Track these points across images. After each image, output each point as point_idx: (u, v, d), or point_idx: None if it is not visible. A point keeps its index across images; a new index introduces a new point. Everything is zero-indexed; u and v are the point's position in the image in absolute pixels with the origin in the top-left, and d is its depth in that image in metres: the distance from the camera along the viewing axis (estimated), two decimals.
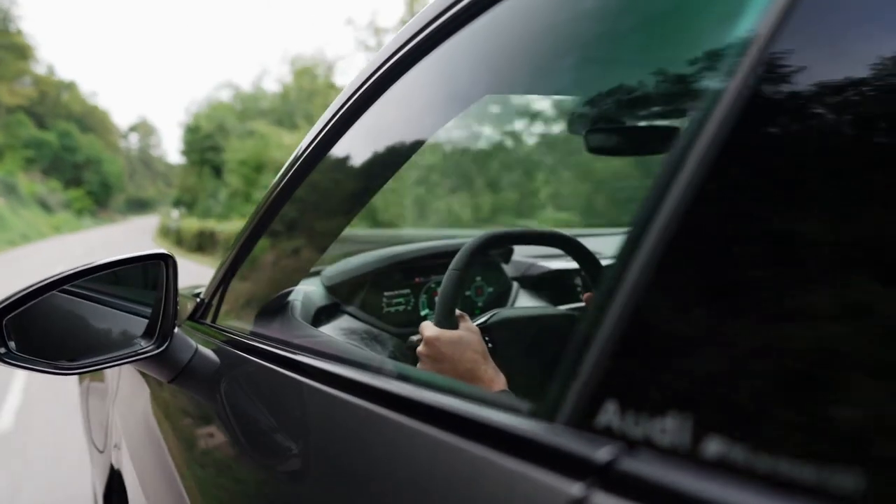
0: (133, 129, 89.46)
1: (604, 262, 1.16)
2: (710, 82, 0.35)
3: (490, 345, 0.93)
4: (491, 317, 1.03)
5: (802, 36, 0.31)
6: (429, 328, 0.90)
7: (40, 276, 0.84)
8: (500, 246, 1.24)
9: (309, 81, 26.89)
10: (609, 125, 1.04)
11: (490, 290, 1.49)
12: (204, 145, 33.51)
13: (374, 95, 0.82)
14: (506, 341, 0.99)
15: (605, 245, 1.35)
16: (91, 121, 62.25)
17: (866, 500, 0.24)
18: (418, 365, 0.89)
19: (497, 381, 0.82)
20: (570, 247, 1.12)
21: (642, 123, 1.01)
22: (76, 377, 2.01)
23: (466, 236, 1.15)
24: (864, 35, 0.29)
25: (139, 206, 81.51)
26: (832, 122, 0.30)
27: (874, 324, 0.26)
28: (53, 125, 49.93)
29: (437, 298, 0.96)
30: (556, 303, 1.51)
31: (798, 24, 0.31)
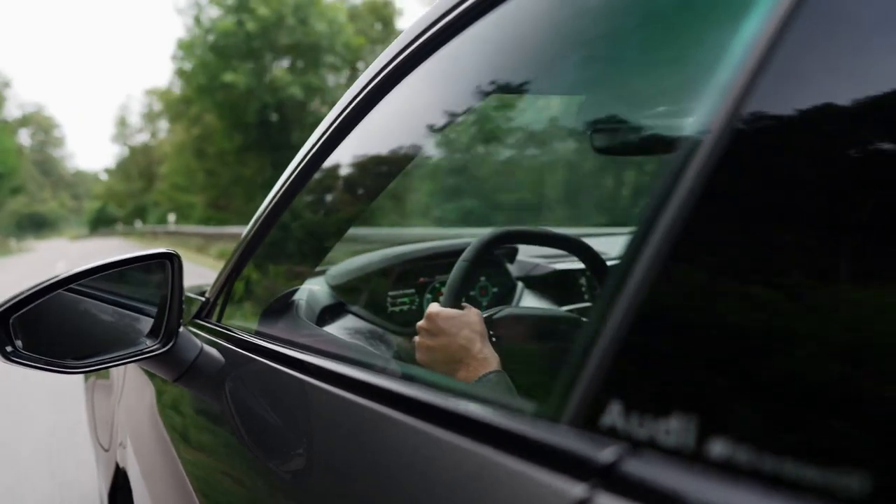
0: (24, 121, 59.20)
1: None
2: (716, 82, 0.35)
3: (493, 339, 0.93)
4: (498, 311, 1.04)
5: (808, 35, 0.31)
6: (432, 306, 0.92)
7: None
8: (513, 242, 1.25)
9: None
10: (614, 125, 1.03)
11: (495, 290, 1.48)
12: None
13: (379, 95, 0.82)
14: (509, 337, 0.99)
15: (614, 246, 1.35)
16: None
17: (871, 502, 0.24)
18: (416, 338, 0.90)
19: (491, 361, 0.82)
20: (586, 254, 1.12)
21: (648, 123, 1.00)
22: (81, 376, 2.02)
23: (471, 236, 1.15)
24: (870, 35, 0.29)
25: (36, 224, 55.65)
26: (838, 122, 0.30)
27: (880, 324, 0.26)
28: None
29: (445, 286, 0.96)
30: (560, 303, 1.50)
31: (803, 23, 0.31)
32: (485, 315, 0.99)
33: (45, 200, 61.18)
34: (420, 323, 0.90)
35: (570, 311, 1.35)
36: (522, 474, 0.37)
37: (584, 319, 1.17)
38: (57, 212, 61.50)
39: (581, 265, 1.18)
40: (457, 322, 0.87)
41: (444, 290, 0.98)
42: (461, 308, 0.93)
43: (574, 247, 1.14)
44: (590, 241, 1.14)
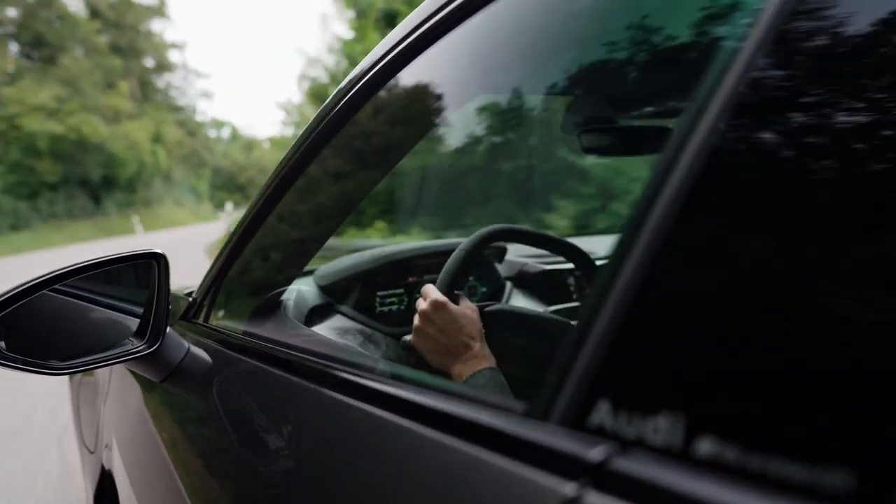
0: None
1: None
2: (704, 82, 0.35)
3: (483, 332, 0.94)
4: (489, 305, 1.05)
5: (797, 34, 0.31)
6: (435, 292, 0.92)
7: None
8: (509, 240, 1.27)
9: None
10: (603, 125, 1.04)
11: (483, 289, 1.49)
12: None
13: (367, 94, 0.82)
14: (498, 331, 1.00)
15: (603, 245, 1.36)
16: None
17: (858, 500, 0.24)
18: (415, 320, 0.91)
19: (487, 359, 0.85)
20: (583, 262, 1.15)
21: (637, 123, 1.01)
22: (67, 377, 2.00)
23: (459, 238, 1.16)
24: (860, 33, 0.29)
25: (92, 185, 23.45)
26: (827, 122, 0.30)
27: (867, 321, 0.26)
28: None
29: (442, 270, 1.00)
30: (549, 303, 1.51)
31: (792, 23, 0.31)
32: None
33: (122, 139, 25.41)
34: (424, 307, 0.91)
35: (559, 310, 1.35)
36: (512, 473, 0.37)
37: (572, 324, 1.17)
38: (151, 163, 27.01)
39: (570, 265, 1.19)
40: (460, 321, 0.89)
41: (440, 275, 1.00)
42: (455, 296, 0.95)
43: (566, 252, 1.16)
44: (581, 241, 1.15)
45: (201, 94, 54.06)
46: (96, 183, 26.17)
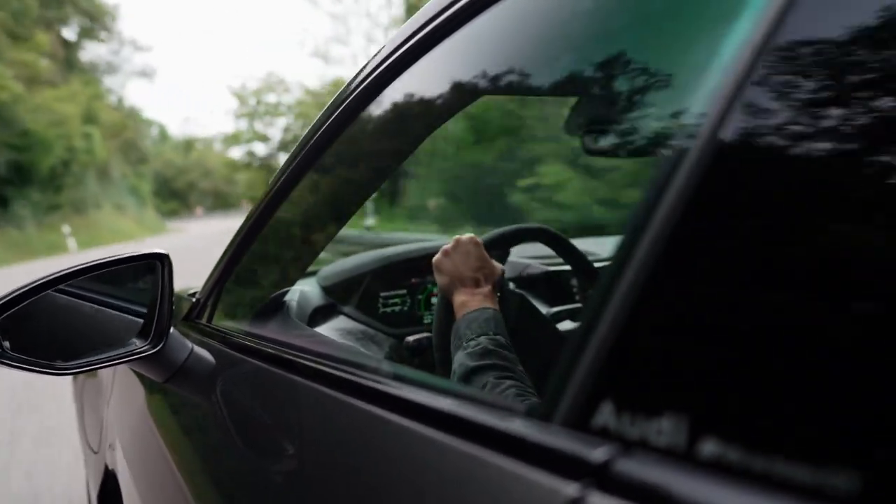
0: None
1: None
2: (709, 83, 0.35)
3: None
4: (511, 289, 1.09)
5: (800, 36, 0.31)
6: (473, 237, 1.00)
7: None
8: (550, 245, 1.31)
9: None
10: (607, 127, 1.04)
11: None
12: None
13: (370, 96, 0.82)
14: (505, 309, 1.02)
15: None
16: None
17: (862, 501, 0.24)
18: (446, 245, 0.97)
19: (492, 300, 0.90)
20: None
21: (640, 125, 1.01)
22: (70, 377, 2.01)
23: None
24: (862, 36, 0.29)
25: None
26: (831, 125, 0.30)
27: (871, 322, 0.26)
28: None
29: (497, 229, 1.12)
30: (551, 304, 1.51)
31: (795, 24, 0.31)
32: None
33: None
34: (461, 237, 0.97)
35: (561, 312, 1.36)
36: (515, 474, 0.37)
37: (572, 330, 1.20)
38: (83, 149, 20.13)
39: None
40: (486, 262, 0.95)
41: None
42: (490, 255, 1.01)
43: (592, 277, 1.23)
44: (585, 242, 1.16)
45: (139, 71, 37.88)
46: (2, 174, 16.01)
